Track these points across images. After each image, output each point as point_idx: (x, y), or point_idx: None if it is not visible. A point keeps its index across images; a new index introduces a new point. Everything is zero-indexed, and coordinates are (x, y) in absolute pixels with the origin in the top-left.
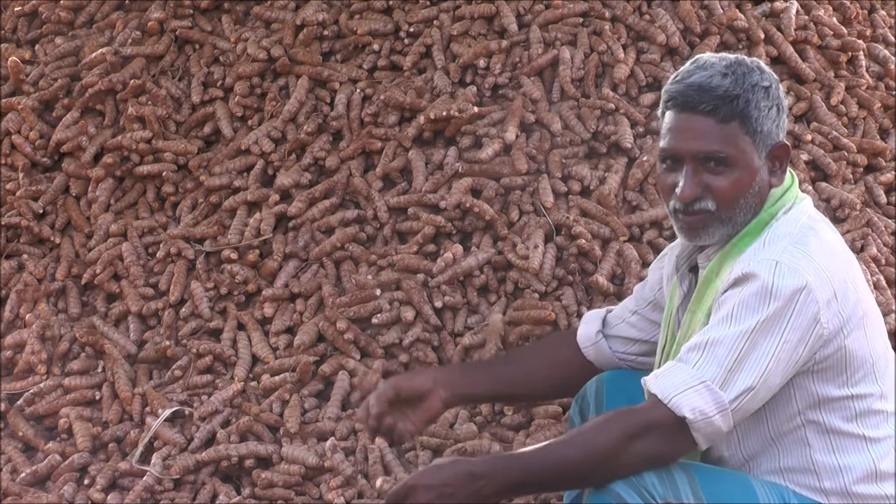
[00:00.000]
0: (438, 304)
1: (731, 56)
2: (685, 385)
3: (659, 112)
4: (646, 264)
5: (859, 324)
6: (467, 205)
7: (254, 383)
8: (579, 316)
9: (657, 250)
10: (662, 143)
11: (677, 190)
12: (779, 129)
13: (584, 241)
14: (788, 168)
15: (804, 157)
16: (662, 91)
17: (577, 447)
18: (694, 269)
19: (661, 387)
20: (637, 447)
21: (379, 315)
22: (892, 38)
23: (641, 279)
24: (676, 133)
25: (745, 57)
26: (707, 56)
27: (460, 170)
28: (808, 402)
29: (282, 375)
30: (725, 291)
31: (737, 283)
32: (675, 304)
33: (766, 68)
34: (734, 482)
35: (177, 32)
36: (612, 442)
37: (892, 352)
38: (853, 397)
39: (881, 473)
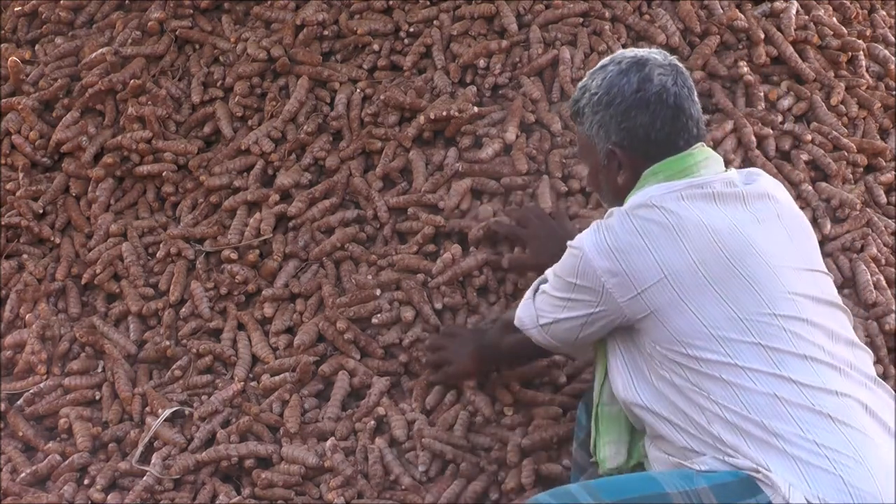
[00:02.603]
0: (438, 304)
1: (609, 58)
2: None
3: None
4: None
5: (674, 300)
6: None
7: (254, 383)
8: None
9: None
10: None
11: None
12: (609, 132)
13: None
14: (683, 157)
15: (804, 157)
16: None
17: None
18: None
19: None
20: None
21: (379, 315)
22: (892, 38)
23: None
24: None
25: (629, 57)
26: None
27: (460, 170)
28: (658, 344)
29: (282, 375)
30: None
31: None
32: None
33: (635, 73)
34: (636, 479)
35: (177, 32)
36: None
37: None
38: (698, 359)
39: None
